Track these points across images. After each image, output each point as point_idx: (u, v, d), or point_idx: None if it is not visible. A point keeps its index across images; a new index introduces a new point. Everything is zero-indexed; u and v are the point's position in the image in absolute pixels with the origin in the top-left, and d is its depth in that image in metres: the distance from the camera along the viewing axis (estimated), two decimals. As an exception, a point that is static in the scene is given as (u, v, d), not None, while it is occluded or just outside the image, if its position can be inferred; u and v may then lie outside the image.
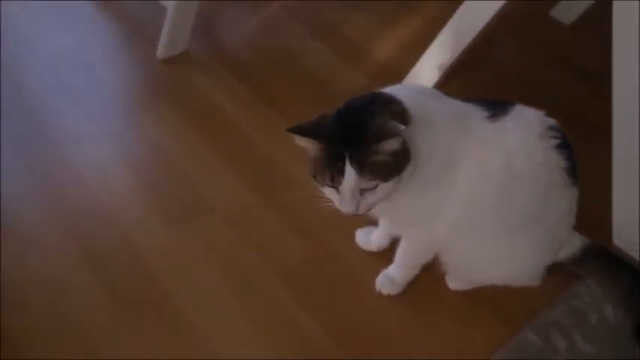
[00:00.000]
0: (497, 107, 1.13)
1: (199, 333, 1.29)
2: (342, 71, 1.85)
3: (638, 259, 1.26)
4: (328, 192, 1.09)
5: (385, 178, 1.04)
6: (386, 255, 1.36)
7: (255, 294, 1.36)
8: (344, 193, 1.05)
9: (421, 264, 1.29)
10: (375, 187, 1.04)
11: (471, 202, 1.12)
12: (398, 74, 1.71)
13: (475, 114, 1.13)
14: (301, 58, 1.90)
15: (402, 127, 1.02)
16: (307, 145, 1.06)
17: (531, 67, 1.87)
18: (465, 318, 1.30)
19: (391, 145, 1.02)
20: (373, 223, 1.39)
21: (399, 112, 1.05)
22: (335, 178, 1.05)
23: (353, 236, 1.43)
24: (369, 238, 1.41)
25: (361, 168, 1.02)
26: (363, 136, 1.02)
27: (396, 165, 1.04)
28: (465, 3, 1.55)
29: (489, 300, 1.30)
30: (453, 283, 1.35)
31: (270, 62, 1.89)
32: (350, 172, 1.03)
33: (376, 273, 1.35)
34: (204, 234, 1.46)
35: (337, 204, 1.08)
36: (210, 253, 1.44)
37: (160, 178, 1.59)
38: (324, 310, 1.32)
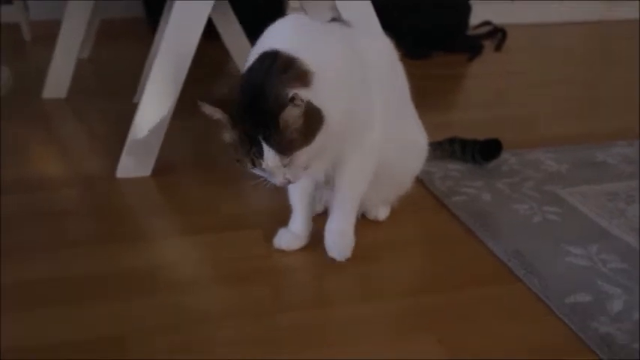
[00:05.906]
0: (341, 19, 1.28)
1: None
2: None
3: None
4: (257, 172, 1.08)
5: (303, 145, 1.02)
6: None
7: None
8: (271, 171, 1.05)
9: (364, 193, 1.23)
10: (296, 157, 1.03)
11: (383, 89, 1.18)
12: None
13: (345, 29, 1.19)
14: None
15: (291, 91, 0.98)
16: (223, 127, 1.05)
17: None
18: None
19: (292, 113, 0.99)
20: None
21: (298, 75, 1.02)
22: (255, 162, 1.03)
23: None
24: (295, 233, 1.26)
25: (278, 147, 1.01)
26: (268, 114, 0.99)
27: (310, 128, 1.02)
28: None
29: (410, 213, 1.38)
30: (382, 211, 1.35)
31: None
32: (269, 153, 1.01)
33: (309, 256, 1.24)
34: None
35: (271, 180, 1.08)
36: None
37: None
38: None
